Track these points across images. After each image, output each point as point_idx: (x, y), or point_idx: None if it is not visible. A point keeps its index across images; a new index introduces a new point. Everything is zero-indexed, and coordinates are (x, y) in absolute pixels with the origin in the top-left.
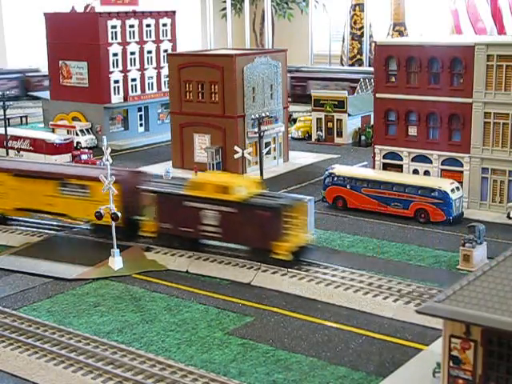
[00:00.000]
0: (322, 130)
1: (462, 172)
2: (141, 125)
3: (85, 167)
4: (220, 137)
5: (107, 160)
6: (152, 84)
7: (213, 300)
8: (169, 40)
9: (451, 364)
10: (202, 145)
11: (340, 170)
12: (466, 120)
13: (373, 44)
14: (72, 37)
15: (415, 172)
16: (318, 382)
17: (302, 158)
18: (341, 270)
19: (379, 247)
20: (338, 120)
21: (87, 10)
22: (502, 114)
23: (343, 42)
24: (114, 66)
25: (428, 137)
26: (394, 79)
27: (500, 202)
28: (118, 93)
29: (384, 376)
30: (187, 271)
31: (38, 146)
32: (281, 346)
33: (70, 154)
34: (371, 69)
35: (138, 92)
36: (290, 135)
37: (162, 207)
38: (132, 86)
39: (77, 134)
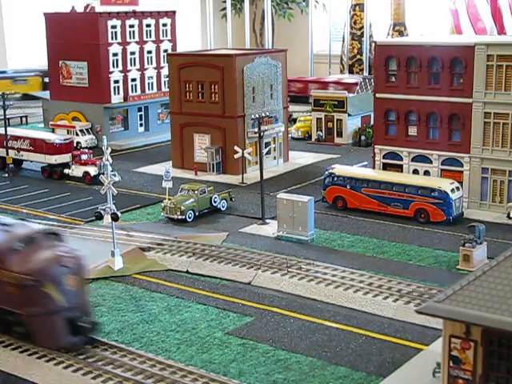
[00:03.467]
0: (321, 130)
1: (462, 172)
2: (141, 125)
3: None
4: (220, 137)
5: (107, 160)
6: (152, 84)
7: (213, 300)
8: (169, 40)
9: (451, 364)
10: (201, 145)
11: (340, 169)
12: (466, 120)
13: (373, 44)
14: (72, 37)
15: (415, 172)
16: (318, 381)
17: (302, 158)
18: (341, 270)
19: None
20: (338, 120)
21: (87, 10)
22: (502, 114)
23: (343, 42)
24: (113, 66)
25: (428, 137)
26: (394, 79)
27: (500, 202)
28: (118, 93)
29: (384, 376)
30: (187, 271)
31: (38, 146)
32: (281, 346)
33: (69, 154)
34: None
35: (138, 92)
36: (289, 135)
37: None
38: (132, 85)
39: (77, 134)
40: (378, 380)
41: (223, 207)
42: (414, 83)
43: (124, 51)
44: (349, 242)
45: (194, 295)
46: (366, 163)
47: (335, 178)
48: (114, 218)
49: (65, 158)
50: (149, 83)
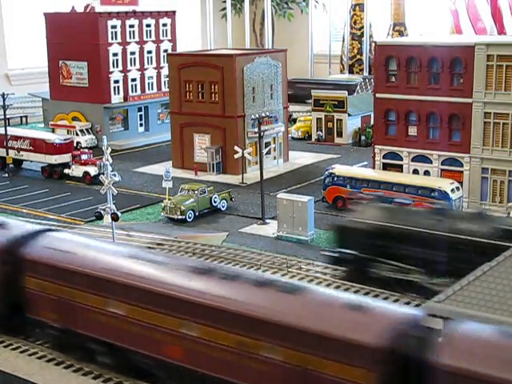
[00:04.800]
0: (322, 130)
1: (461, 172)
2: (141, 125)
3: None
4: (220, 137)
5: (107, 160)
6: (152, 84)
7: None
8: (169, 40)
9: None
10: (201, 145)
11: (340, 170)
12: (466, 120)
13: (373, 44)
14: (72, 37)
15: (415, 172)
16: None
17: (301, 158)
18: (341, 270)
19: None
20: (337, 120)
21: (87, 10)
22: (502, 114)
23: (343, 41)
24: (114, 66)
25: (428, 137)
26: (394, 79)
27: (500, 202)
28: (118, 93)
29: None
30: None
31: (38, 146)
32: None
33: (69, 154)
34: None
35: (138, 92)
36: (289, 135)
37: None
38: (132, 85)
39: (77, 134)
40: None
41: (223, 207)
42: (414, 83)
43: (124, 51)
44: None
45: None
46: (366, 163)
47: (335, 178)
48: (114, 218)
49: (65, 158)
50: (149, 83)
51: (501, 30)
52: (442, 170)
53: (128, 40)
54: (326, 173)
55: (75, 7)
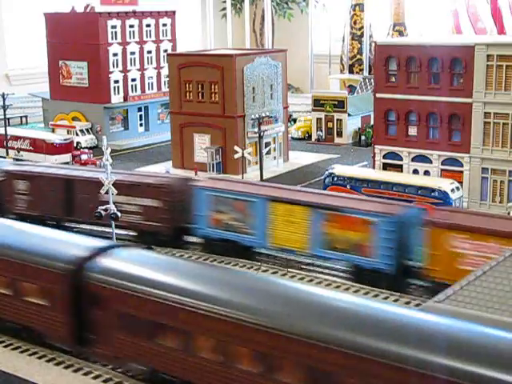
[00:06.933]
0: (322, 130)
1: (462, 172)
2: (141, 125)
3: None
4: (220, 137)
5: (107, 160)
6: (152, 84)
7: None
8: (169, 40)
9: None
10: (201, 145)
11: (340, 170)
12: (466, 120)
13: (373, 44)
14: (72, 37)
15: (415, 172)
16: None
17: (301, 158)
18: (341, 270)
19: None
20: (338, 120)
21: (87, 10)
22: (502, 114)
23: (343, 42)
24: (114, 66)
25: (428, 137)
26: (394, 79)
27: (500, 202)
28: (118, 93)
29: None
30: None
31: (38, 146)
32: None
33: (69, 154)
34: None
35: (138, 92)
36: (289, 135)
37: None
38: (132, 85)
39: (77, 134)
40: None
41: None
42: (414, 83)
43: (124, 51)
44: None
45: None
46: (366, 163)
47: (335, 178)
48: (114, 218)
49: (65, 157)
50: (149, 83)
51: (501, 30)
52: (442, 170)
53: (128, 40)
54: (326, 173)
55: (75, 7)
